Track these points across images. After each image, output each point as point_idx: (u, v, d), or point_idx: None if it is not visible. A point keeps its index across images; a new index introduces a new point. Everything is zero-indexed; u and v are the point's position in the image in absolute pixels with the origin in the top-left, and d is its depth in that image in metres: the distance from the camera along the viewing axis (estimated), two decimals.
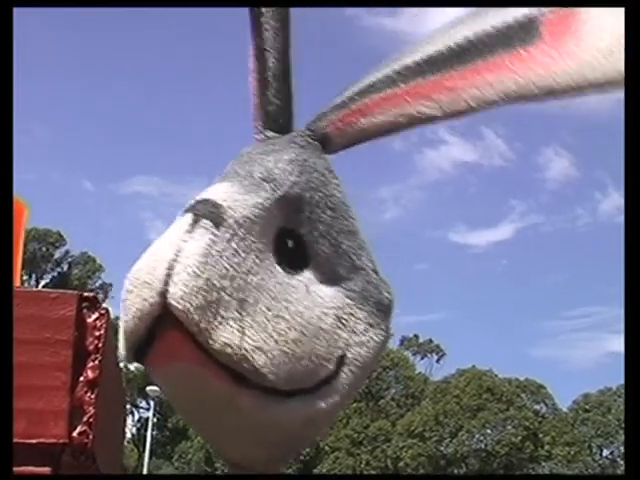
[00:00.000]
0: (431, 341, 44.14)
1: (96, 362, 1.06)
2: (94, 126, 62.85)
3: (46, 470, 1.02)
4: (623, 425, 37.15)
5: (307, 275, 1.37)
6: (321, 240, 1.41)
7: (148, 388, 29.36)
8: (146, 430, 31.45)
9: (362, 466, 36.52)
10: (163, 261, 1.18)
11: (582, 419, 39.17)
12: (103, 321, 1.08)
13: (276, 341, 1.25)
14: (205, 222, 1.23)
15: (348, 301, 1.40)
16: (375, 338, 1.43)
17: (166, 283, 1.17)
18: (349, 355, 1.39)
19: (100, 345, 1.07)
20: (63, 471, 1.03)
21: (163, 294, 1.17)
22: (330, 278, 1.40)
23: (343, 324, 1.38)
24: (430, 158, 66.51)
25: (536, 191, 64.16)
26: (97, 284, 41.27)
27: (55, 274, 41.96)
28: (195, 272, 1.17)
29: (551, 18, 1.43)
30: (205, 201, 1.27)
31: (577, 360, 66.88)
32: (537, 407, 39.05)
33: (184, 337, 1.18)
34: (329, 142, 1.54)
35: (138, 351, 1.21)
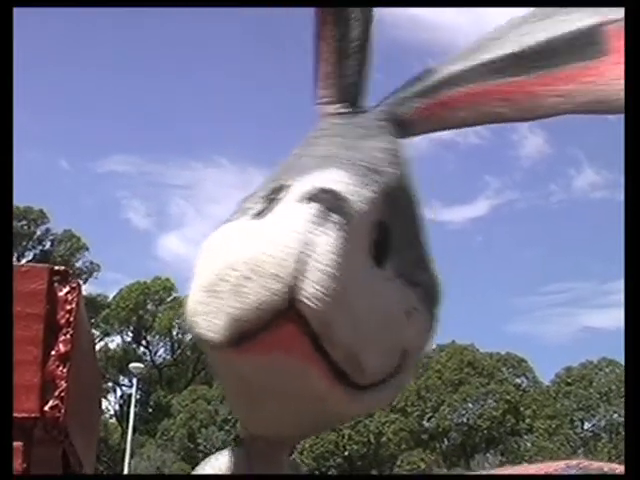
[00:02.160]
0: None
1: (68, 336, 1.05)
2: (69, 104, 62.36)
3: (18, 444, 1.02)
4: (604, 398, 37.56)
5: (389, 268, 1.37)
6: (403, 233, 1.42)
7: (131, 365, 29.43)
8: (129, 407, 31.50)
9: (344, 441, 36.72)
10: (293, 253, 1.16)
11: (564, 392, 39.48)
12: (75, 295, 1.07)
13: (372, 341, 1.27)
14: (335, 217, 1.20)
15: (414, 296, 1.41)
16: (430, 331, 1.45)
17: (298, 279, 1.15)
18: (410, 349, 1.40)
19: (72, 319, 1.06)
20: (35, 445, 1.03)
21: (293, 289, 1.15)
22: (403, 271, 1.40)
23: (409, 320, 1.39)
24: None
25: (511, 168, 64.41)
26: (80, 263, 41.18)
27: (37, 252, 41.81)
28: (330, 272, 1.16)
29: (613, 31, 1.49)
30: (329, 192, 1.24)
31: (553, 335, 67.37)
32: (518, 381, 39.32)
33: (300, 333, 1.18)
34: (410, 128, 1.55)
35: (239, 339, 1.20)
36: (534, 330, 66.31)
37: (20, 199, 36.51)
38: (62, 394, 1.03)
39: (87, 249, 41.91)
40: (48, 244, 42.49)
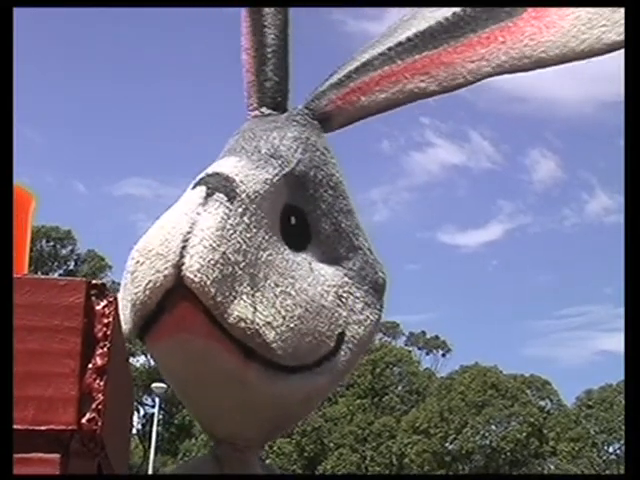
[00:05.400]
0: (437, 337, 44.14)
1: (105, 349, 1.06)
2: (86, 128, 62.82)
3: (55, 457, 1.03)
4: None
5: (310, 252, 1.37)
6: (323, 219, 1.42)
7: (153, 385, 29.43)
8: (151, 426, 31.50)
9: (367, 462, 36.53)
10: (177, 233, 1.17)
11: (585, 415, 39.15)
12: (111, 308, 1.08)
13: (284, 317, 1.25)
14: (219, 195, 1.22)
15: (347, 280, 1.41)
16: (371, 317, 1.44)
17: (181, 255, 1.17)
18: (348, 333, 1.40)
19: (109, 332, 1.07)
20: (72, 458, 1.04)
21: (178, 266, 1.17)
22: (330, 256, 1.41)
23: (343, 302, 1.39)
24: (418, 160, 67.45)
25: (523, 192, 64.93)
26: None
27: (61, 272, 42.01)
28: (212, 245, 1.17)
29: None
30: (217, 174, 1.27)
31: (569, 358, 67.22)
32: (542, 403, 39.02)
33: (196, 310, 1.18)
34: (329, 121, 1.55)
35: (144, 324, 1.21)
36: (550, 353, 66.29)
37: (44, 219, 36.72)
38: (99, 407, 1.04)
39: (110, 267, 42.09)
40: (72, 264, 42.70)
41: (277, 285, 1.26)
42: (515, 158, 67.34)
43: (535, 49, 1.43)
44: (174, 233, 1.19)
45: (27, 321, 1.03)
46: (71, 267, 42.61)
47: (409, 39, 1.50)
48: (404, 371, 40.77)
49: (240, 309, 1.20)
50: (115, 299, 1.11)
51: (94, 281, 1.08)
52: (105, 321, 1.08)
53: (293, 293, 1.28)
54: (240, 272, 1.20)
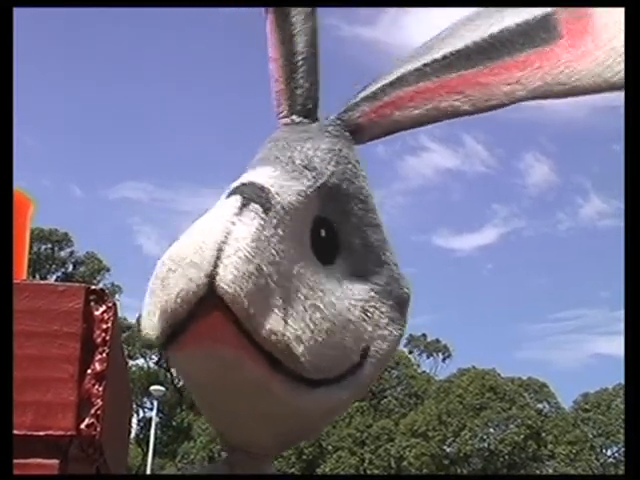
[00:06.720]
0: (438, 341, 44.12)
1: (104, 355, 1.06)
2: (81, 132, 62.74)
3: (54, 462, 1.02)
4: (623, 425, 37.10)
5: (338, 266, 1.37)
6: (352, 232, 1.42)
7: (151, 388, 29.45)
8: (149, 430, 31.48)
9: (365, 465, 36.52)
10: (211, 242, 1.17)
11: (583, 418, 39.17)
12: (110, 314, 1.08)
13: (312, 331, 1.25)
14: (254, 206, 1.22)
15: (373, 294, 1.41)
16: (395, 332, 1.44)
17: (215, 265, 1.16)
18: (372, 348, 1.40)
19: (108, 338, 1.07)
20: (71, 463, 1.04)
21: (211, 276, 1.16)
22: (358, 270, 1.41)
23: (368, 317, 1.39)
24: (413, 165, 67.59)
25: (518, 196, 65.08)
26: (101, 285, 41.25)
27: (60, 274, 41.97)
28: (246, 256, 1.17)
29: (568, 17, 1.47)
30: (252, 184, 1.26)
31: (564, 362, 67.29)
32: (540, 406, 39.03)
33: (227, 320, 1.17)
34: (360, 133, 1.54)
35: (172, 332, 1.21)
36: (546, 356, 66.33)
37: (41, 222, 36.71)
38: (98, 412, 1.04)
39: (108, 270, 42.06)
40: (71, 266, 42.68)
41: (307, 298, 1.26)
42: (509, 162, 67.51)
43: (570, 76, 1.42)
44: (208, 242, 1.18)
45: (26, 326, 1.03)
46: (69, 269, 42.56)
47: (445, 57, 1.50)
48: (402, 374, 40.76)
49: (272, 322, 1.19)
50: (114, 304, 1.11)
51: (93, 287, 1.08)
52: (104, 326, 1.07)
53: (322, 307, 1.27)
54: (273, 284, 1.19)
